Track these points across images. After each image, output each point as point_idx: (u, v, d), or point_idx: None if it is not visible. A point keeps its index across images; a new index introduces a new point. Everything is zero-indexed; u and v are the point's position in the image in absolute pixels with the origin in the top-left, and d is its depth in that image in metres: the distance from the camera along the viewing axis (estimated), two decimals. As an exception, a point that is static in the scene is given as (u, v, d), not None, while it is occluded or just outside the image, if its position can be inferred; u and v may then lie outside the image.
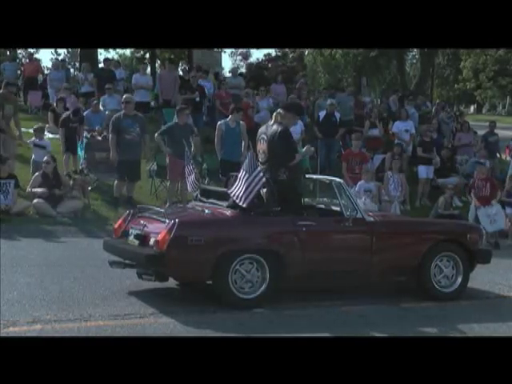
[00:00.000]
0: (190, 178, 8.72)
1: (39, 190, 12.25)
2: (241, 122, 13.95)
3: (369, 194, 13.86)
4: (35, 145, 14.27)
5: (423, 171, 16.33)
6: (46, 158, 12.67)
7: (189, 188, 8.97)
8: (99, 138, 15.68)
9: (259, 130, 8.39)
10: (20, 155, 14.66)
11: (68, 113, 15.08)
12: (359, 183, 13.86)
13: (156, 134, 13.21)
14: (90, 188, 13.59)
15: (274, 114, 8.22)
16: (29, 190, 12.40)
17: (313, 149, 9.08)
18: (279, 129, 7.89)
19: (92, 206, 12.98)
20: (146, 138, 13.41)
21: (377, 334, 6.81)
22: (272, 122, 8.14)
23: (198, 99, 17.01)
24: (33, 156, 14.08)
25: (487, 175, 14.97)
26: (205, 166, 14.72)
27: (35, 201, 12.12)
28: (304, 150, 8.74)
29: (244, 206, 7.47)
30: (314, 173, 14.08)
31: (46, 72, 25.02)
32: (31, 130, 14.96)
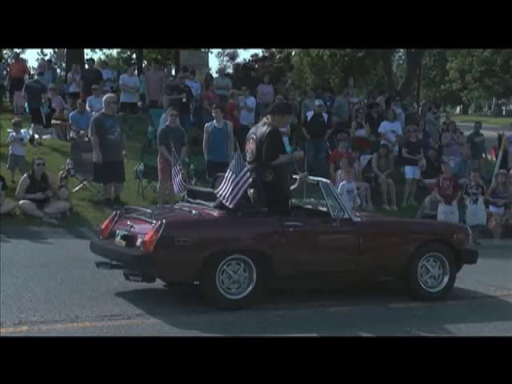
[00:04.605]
0: (177, 179, 8.71)
1: (32, 195, 12.19)
2: (228, 122, 13.96)
3: (351, 194, 13.91)
4: (13, 138, 14.22)
5: (410, 171, 16.40)
6: (38, 159, 12.59)
7: (175, 189, 8.95)
8: (86, 139, 15.68)
9: (250, 131, 8.39)
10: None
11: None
12: (341, 183, 13.89)
13: (158, 147, 13.18)
14: (74, 189, 13.55)
15: (263, 118, 8.21)
16: (17, 193, 12.31)
17: (301, 154, 9.09)
18: (268, 129, 7.89)
19: (79, 207, 12.93)
20: (123, 137, 13.37)
21: (365, 334, 6.82)
22: (262, 123, 8.13)
23: (184, 100, 16.99)
24: (10, 150, 14.02)
25: (451, 175, 15.25)
26: (192, 166, 14.71)
27: (22, 202, 12.06)
28: (287, 155, 8.70)
29: (231, 206, 7.47)
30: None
31: (32, 72, 24.97)
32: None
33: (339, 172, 14.52)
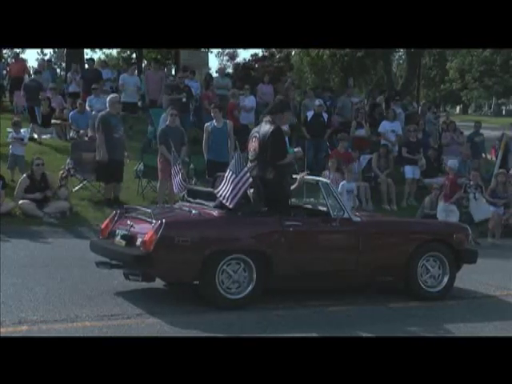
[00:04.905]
0: (177, 179, 8.71)
1: (31, 195, 12.18)
2: (228, 121, 13.95)
3: (350, 194, 13.95)
4: (14, 138, 14.23)
5: (409, 171, 16.39)
6: (37, 160, 12.59)
7: (175, 189, 8.95)
8: (86, 139, 15.70)
9: (253, 129, 8.41)
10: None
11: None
12: (341, 183, 13.93)
13: (158, 146, 13.22)
14: (74, 189, 13.55)
15: (265, 118, 8.23)
16: (16, 193, 12.30)
17: (301, 152, 9.09)
18: (272, 128, 7.91)
19: (78, 207, 12.93)
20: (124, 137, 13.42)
21: (364, 334, 6.83)
22: (265, 122, 8.14)
23: (184, 100, 17.00)
24: (11, 150, 14.04)
25: (453, 176, 15.34)
26: (192, 166, 14.71)
27: (21, 201, 12.05)
28: (294, 151, 8.73)
29: (231, 206, 7.47)
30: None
31: (31, 72, 24.96)
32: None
33: (326, 173, 14.46)
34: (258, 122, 16.72)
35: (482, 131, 19.64)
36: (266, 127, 7.99)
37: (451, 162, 16.09)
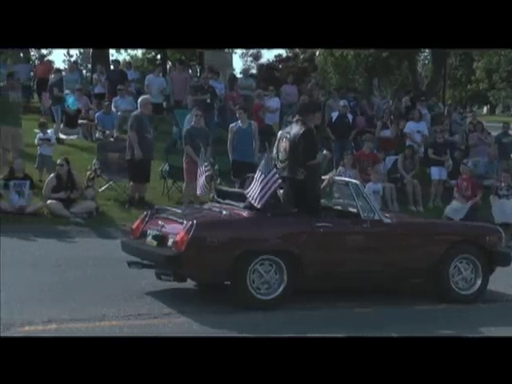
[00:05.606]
0: (201, 180, 8.74)
1: (56, 195, 12.26)
2: (252, 122, 13.97)
3: (376, 196, 13.90)
4: (41, 139, 14.35)
5: (436, 172, 16.26)
6: (59, 160, 12.68)
7: (198, 191, 8.98)
8: (111, 139, 15.78)
9: (284, 129, 8.41)
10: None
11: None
12: (367, 184, 13.89)
13: (184, 147, 13.27)
14: (101, 189, 13.62)
15: (294, 119, 8.22)
16: (44, 193, 12.39)
17: (330, 155, 9.07)
18: (303, 129, 7.90)
19: (105, 207, 12.99)
20: None
21: (390, 335, 6.75)
22: (295, 122, 8.15)
23: (209, 100, 17.03)
24: (39, 151, 14.17)
25: (469, 176, 15.19)
26: (217, 167, 14.72)
27: (49, 201, 12.13)
28: (322, 155, 8.69)
29: (258, 206, 7.47)
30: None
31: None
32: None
33: (341, 169, 14.38)
34: (282, 123, 16.80)
35: (510, 132, 19.43)
36: (296, 128, 7.98)
37: (465, 163, 16.04)
